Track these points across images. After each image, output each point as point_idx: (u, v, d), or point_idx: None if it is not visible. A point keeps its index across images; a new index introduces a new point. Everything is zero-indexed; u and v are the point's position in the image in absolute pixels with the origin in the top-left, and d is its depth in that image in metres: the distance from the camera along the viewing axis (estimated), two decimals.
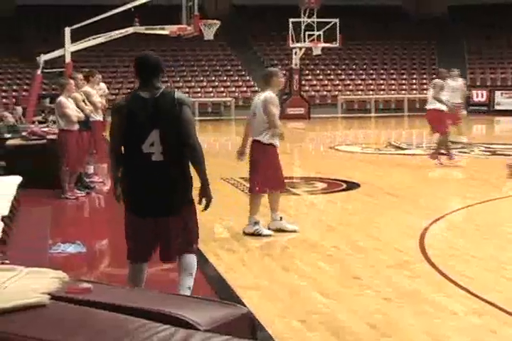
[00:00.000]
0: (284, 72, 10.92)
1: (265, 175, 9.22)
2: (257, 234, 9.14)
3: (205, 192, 5.79)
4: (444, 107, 15.52)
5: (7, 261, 3.63)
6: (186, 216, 5.84)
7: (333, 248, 8.55)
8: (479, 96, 36.91)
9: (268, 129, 9.13)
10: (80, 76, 12.88)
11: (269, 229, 9.31)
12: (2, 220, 7.98)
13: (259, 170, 9.23)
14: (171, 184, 5.72)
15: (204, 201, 5.80)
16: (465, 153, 18.31)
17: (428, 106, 16.00)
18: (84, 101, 12.52)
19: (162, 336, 2.41)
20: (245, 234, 9.26)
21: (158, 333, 2.43)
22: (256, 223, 9.24)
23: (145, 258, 5.95)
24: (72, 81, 12.11)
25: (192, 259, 5.97)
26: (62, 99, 11.81)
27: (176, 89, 6.03)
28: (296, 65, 34.54)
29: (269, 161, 9.23)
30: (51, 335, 2.53)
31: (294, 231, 9.32)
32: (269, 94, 9.20)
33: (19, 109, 19.39)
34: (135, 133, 5.68)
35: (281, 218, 9.42)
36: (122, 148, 5.82)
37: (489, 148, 19.59)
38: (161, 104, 5.68)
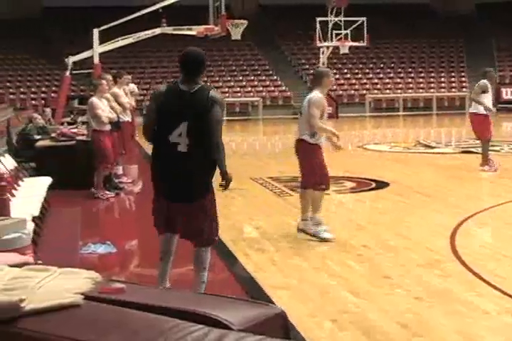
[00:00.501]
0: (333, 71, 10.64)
1: (312, 173, 9.12)
2: (316, 236, 8.92)
3: (224, 177, 6.14)
4: (484, 111, 14.41)
5: (40, 262, 3.66)
6: (208, 204, 6.12)
7: (363, 247, 8.52)
8: (508, 93, 36.65)
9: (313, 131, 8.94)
10: (109, 77, 12.93)
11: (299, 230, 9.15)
12: (33, 221, 8.02)
13: (306, 168, 9.16)
14: (193, 174, 5.98)
15: (226, 182, 6.18)
16: (494, 151, 18.17)
17: (470, 110, 15.14)
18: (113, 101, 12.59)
19: (196, 336, 2.40)
20: (300, 230, 9.10)
21: (191, 333, 2.43)
22: (318, 224, 9.04)
23: (169, 229, 6.27)
24: (104, 81, 12.16)
25: (207, 253, 6.25)
26: (94, 99, 11.88)
27: (213, 88, 6.15)
28: (323, 64, 34.46)
29: (316, 160, 9.09)
30: (85, 335, 2.54)
31: (314, 236, 9.01)
32: (316, 95, 8.93)
33: (48, 111, 19.50)
34: (165, 122, 5.95)
35: (310, 219, 9.24)
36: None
37: None
38: (195, 98, 5.89)
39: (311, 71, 37.04)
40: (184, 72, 6.03)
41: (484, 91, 14.42)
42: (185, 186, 6.02)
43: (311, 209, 9.16)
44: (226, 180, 6.15)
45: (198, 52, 6.15)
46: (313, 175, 9.12)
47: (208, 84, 36.33)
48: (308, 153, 9.06)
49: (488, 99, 14.52)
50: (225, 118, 31.26)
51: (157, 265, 6.48)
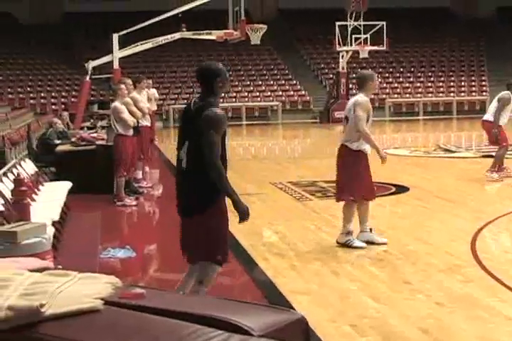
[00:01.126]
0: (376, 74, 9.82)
1: (353, 182, 8.82)
2: (348, 246, 8.69)
3: (235, 206, 5.76)
4: (502, 122, 13.89)
5: (60, 267, 3.66)
6: (208, 219, 5.79)
7: (383, 252, 8.49)
8: None
9: (358, 136, 8.70)
10: (129, 81, 12.96)
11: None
12: (53, 225, 8.04)
13: (347, 176, 8.85)
14: (190, 189, 5.85)
15: (239, 214, 5.78)
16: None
17: (484, 117, 14.45)
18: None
19: None
20: (338, 243, 8.82)
21: (211, 339, 2.42)
22: (348, 233, 8.78)
23: (185, 258, 6.06)
24: (123, 86, 12.18)
25: (207, 265, 5.88)
26: (117, 104, 11.91)
27: (210, 105, 5.73)
28: (343, 68, 34.42)
29: (358, 168, 8.80)
30: (105, 340, 2.53)
31: (384, 244, 8.81)
32: (361, 98, 8.72)
33: (66, 115, 19.57)
34: (178, 140, 5.96)
35: (370, 230, 8.96)
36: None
37: None
38: (193, 117, 5.76)
39: (331, 75, 37.09)
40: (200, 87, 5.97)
41: (508, 104, 13.89)
42: (185, 200, 5.94)
43: (345, 220, 8.88)
44: (236, 208, 5.76)
45: (209, 67, 5.99)
46: (354, 188, 8.82)
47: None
48: (354, 160, 8.80)
49: (507, 111, 14.04)
50: (243, 122, 31.54)
51: (176, 270, 6.46)
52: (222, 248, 5.92)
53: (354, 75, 9.24)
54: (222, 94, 6.26)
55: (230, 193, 5.71)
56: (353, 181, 8.78)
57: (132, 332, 2.56)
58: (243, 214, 5.75)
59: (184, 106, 6.11)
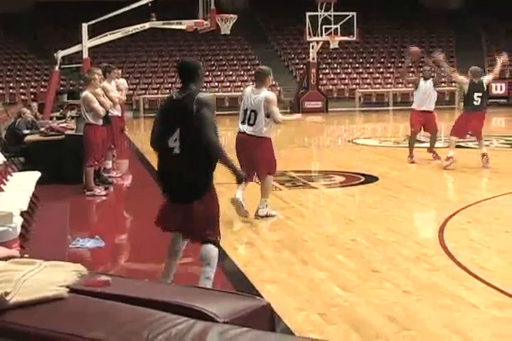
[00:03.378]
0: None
1: (273, 162, 10.10)
2: (269, 216, 9.88)
3: (233, 172, 6.32)
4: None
5: (26, 255, 3.65)
6: (205, 204, 6.19)
7: (351, 241, 8.52)
8: (498, 88, 36.72)
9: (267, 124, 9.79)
10: (99, 71, 12.86)
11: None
12: (21, 215, 8.00)
13: (266, 158, 10.01)
14: (187, 174, 6.14)
15: (237, 177, 6.40)
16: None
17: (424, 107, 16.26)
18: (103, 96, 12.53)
19: (180, 328, 2.40)
20: (258, 216, 9.87)
21: (176, 325, 2.42)
22: (267, 206, 9.98)
23: (169, 228, 6.43)
24: (96, 76, 12.10)
25: (209, 250, 6.25)
26: (88, 93, 11.84)
27: (203, 91, 6.32)
28: (313, 58, 34.46)
29: (272, 150, 10.05)
30: (70, 328, 2.53)
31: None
32: (271, 94, 9.77)
33: (35, 105, 19.42)
34: (163, 130, 6.24)
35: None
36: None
37: (509, 140, 19.47)
38: (183, 104, 6.14)
39: (301, 66, 37.13)
40: (181, 81, 6.39)
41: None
42: (182, 186, 6.20)
43: (264, 194, 10.11)
44: (237, 176, 6.37)
45: (190, 62, 6.64)
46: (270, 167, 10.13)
47: (204, 89, 36.30)
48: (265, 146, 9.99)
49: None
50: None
51: (145, 260, 6.48)
52: (218, 229, 6.38)
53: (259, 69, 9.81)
54: None
55: (233, 164, 6.27)
56: (273, 161, 10.07)
57: (98, 319, 2.56)
58: (241, 177, 6.40)
59: (165, 97, 6.46)
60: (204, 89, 33.89)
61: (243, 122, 9.95)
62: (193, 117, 6.02)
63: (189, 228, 6.26)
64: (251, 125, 9.81)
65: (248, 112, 9.81)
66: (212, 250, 6.26)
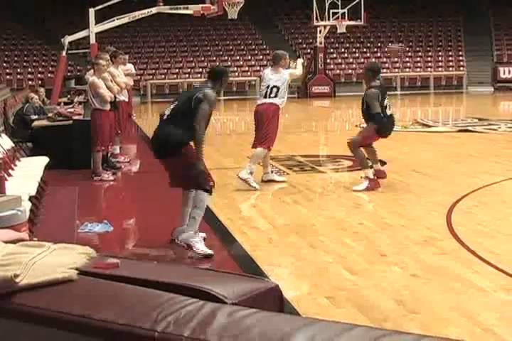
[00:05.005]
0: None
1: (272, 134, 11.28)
2: (247, 183, 10.71)
3: (196, 164, 7.33)
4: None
5: (35, 239, 3.67)
6: (184, 159, 7.30)
7: (359, 225, 8.54)
8: (506, 72, 36.59)
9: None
10: (107, 56, 12.85)
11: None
12: (30, 200, 8.03)
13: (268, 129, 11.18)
14: (167, 134, 7.38)
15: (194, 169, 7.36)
16: (492, 129, 18.19)
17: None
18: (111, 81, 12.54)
19: (189, 309, 2.41)
20: (239, 177, 10.81)
21: (185, 307, 2.43)
22: (251, 173, 10.83)
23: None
24: (102, 61, 12.10)
25: (198, 193, 7.37)
26: (94, 79, 11.85)
27: (210, 88, 7.47)
28: (320, 43, 34.37)
29: (276, 122, 11.33)
30: (79, 310, 2.54)
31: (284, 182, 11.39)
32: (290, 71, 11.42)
33: (42, 90, 19.44)
34: (171, 103, 7.67)
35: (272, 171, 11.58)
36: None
37: None
38: (193, 90, 7.65)
39: (308, 50, 37.05)
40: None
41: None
42: (160, 145, 7.51)
43: (254, 160, 11.13)
44: (197, 167, 7.34)
45: (220, 68, 8.37)
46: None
47: (205, 64, 36.28)
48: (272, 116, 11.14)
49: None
50: (222, 97, 31.33)
51: (153, 244, 6.53)
52: (205, 178, 7.41)
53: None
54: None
55: (201, 153, 7.31)
56: (270, 134, 11.18)
57: (107, 301, 2.57)
58: (197, 170, 7.32)
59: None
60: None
61: (265, 96, 11.02)
62: (191, 98, 7.31)
63: (177, 178, 7.48)
64: (272, 97, 10.98)
65: (270, 88, 10.95)
66: (200, 193, 7.34)
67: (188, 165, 7.31)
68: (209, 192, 7.40)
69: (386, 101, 10.79)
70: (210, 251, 7.17)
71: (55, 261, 2.83)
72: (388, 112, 10.86)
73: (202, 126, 7.28)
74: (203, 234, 7.49)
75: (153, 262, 3.59)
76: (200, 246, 7.18)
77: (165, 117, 7.46)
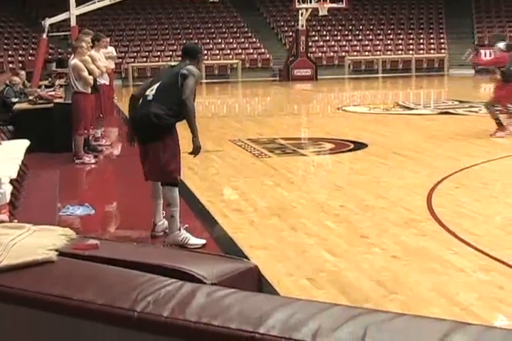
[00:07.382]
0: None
1: None
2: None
3: (193, 141, 7.08)
4: None
5: (15, 221, 3.67)
6: (166, 144, 6.98)
7: (340, 207, 8.57)
8: (487, 55, 36.66)
9: None
10: (88, 39, 12.77)
11: None
12: (11, 183, 8.01)
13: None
14: (154, 117, 6.95)
15: (193, 148, 7.08)
16: (473, 112, 18.26)
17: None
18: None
19: (169, 290, 2.43)
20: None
21: (165, 287, 2.45)
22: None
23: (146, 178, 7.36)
24: (84, 44, 12.02)
25: (168, 190, 7.05)
26: (76, 62, 11.77)
27: (192, 64, 7.26)
28: (302, 26, 34.29)
29: None
30: (59, 290, 2.56)
31: None
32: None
33: (23, 73, 19.31)
34: (148, 84, 7.30)
35: None
36: None
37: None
38: (175, 68, 7.27)
39: (290, 33, 36.96)
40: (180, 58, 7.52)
41: None
42: (145, 129, 7.09)
43: None
44: (194, 143, 7.07)
45: (194, 45, 8.69)
46: None
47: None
48: None
49: None
50: (204, 80, 31.24)
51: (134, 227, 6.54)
52: (178, 169, 7.14)
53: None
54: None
55: (195, 127, 7.02)
56: None
57: (87, 281, 2.59)
58: (197, 149, 7.08)
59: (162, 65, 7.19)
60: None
61: None
62: (175, 76, 7.04)
63: (151, 168, 7.08)
64: None
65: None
66: (172, 191, 7.03)
67: (171, 153, 7.01)
68: (176, 184, 7.16)
69: None
70: (202, 241, 7.13)
71: (35, 242, 2.85)
72: None
73: (191, 101, 6.99)
74: (186, 225, 7.35)
75: (133, 243, 3.60)
76: (192, 241, 7.07)
77: (150, 98, 7.01)
